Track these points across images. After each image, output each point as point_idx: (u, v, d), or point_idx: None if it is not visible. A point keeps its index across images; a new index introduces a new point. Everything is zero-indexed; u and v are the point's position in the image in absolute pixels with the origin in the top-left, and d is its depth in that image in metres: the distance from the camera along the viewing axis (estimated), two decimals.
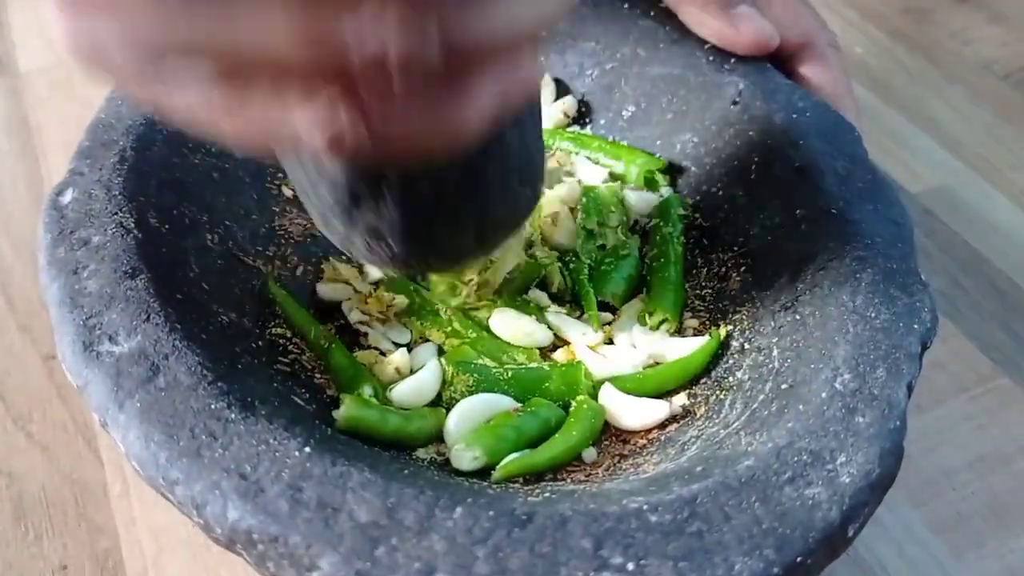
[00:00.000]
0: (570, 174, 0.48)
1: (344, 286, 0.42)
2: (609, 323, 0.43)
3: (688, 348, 0.40)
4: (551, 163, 0.48)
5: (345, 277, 0.42)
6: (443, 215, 0.34)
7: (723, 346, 0.40)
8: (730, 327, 0.41)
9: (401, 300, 0.41)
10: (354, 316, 0.41)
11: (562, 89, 0.52)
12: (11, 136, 0.59)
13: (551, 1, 0.25)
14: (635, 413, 0.38)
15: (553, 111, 0.50)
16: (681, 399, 0.39)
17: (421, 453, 0.36)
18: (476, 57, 0.24)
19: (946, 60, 0.67)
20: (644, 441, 0.37)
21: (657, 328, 0.42)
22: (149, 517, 0.40)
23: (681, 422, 0.38)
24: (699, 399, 0.38)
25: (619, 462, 0.36)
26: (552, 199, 0.46)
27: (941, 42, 0.68)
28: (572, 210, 0.46)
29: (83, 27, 0.23)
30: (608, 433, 0.38)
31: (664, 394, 0.39)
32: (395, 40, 0.22)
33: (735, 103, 0.46)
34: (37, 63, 0.64)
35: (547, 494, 0.31)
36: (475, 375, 0.38)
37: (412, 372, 0.39)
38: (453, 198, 0.34)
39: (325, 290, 0.42)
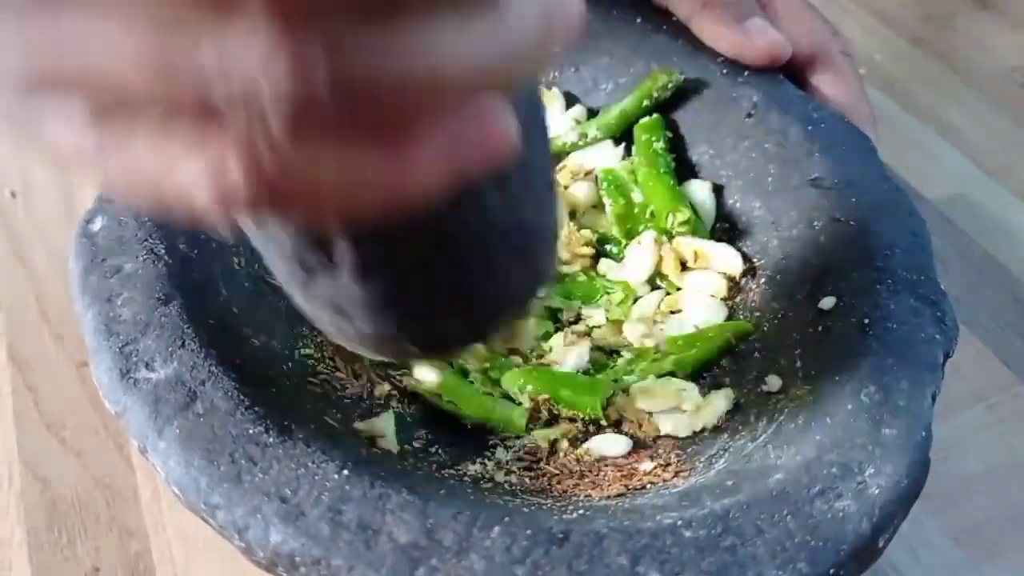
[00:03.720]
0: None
1: None
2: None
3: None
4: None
5: None
6: (410, 291, 0.30)
7: (746, 358, 0.40)
8: (751, 339, 0.41)
9: None
10: None
11: (575, 103, 0.52)
12: None
13: (508, 43, 0.20)
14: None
15: (564, 120, 0.51)
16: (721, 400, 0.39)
17: (471, 470, 0.36)
18: (409, 103, 0.19)
19: (966, 67, 0.67)
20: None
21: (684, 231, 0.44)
22: (178, 521, 0.41)
23: (707, 434, 0.38)
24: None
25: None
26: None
27: (961, 49, 0.68)
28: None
29: None
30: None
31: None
32: (265, 74, 0.17)
33: (749, 115, 0.46)
34: None
35: (581, 511, 0.31)
36: None
37: None
38: (419, 270, 0.29)
39: None
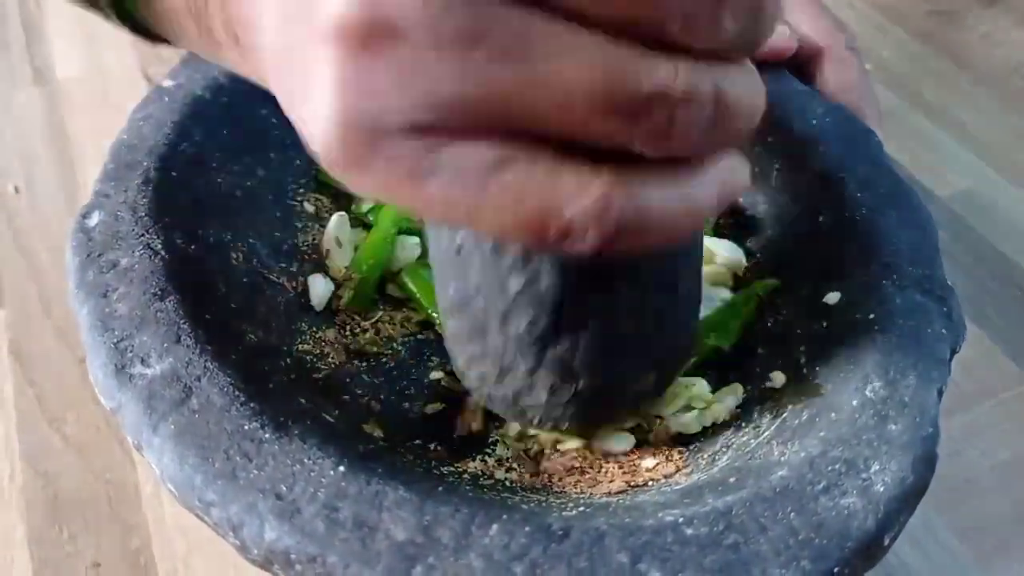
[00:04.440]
0: None
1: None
2: None
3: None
4: None
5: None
6: (636, 342, 0.33)
7: (750, 354, 0.40)
8: (755, 335, 0.40)
9: None
10: None
11: None
12: (48, 143, 0.60)
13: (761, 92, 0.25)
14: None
15: None
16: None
17: (471, 467, 0.36)
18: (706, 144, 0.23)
19: (974, 63, 0.66)
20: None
21: None
22: (179, 516, 0.41)
23: (712, 430, 0.37)
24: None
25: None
26: None
27: (969, 45, 0.68)
28: None
29: (366, 73, 0.20)
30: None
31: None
32: (684, 85, 0.21)
33: None
34: (73, 71, 0.65)
35: (581, 508, 0.31)
36: None
37: None
38: (652, 318, 0.32)
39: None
